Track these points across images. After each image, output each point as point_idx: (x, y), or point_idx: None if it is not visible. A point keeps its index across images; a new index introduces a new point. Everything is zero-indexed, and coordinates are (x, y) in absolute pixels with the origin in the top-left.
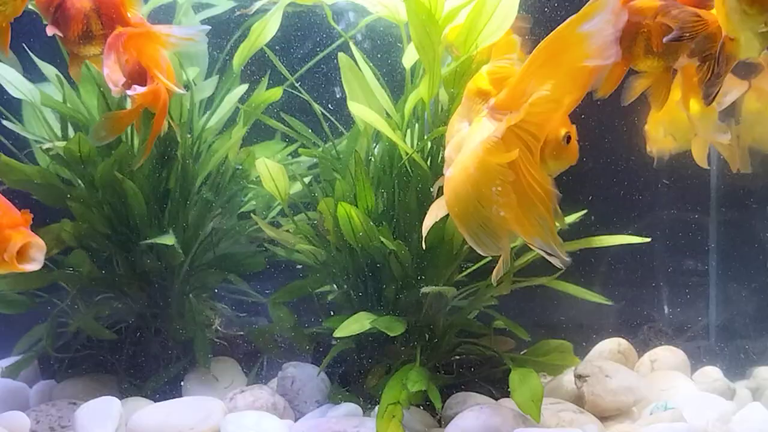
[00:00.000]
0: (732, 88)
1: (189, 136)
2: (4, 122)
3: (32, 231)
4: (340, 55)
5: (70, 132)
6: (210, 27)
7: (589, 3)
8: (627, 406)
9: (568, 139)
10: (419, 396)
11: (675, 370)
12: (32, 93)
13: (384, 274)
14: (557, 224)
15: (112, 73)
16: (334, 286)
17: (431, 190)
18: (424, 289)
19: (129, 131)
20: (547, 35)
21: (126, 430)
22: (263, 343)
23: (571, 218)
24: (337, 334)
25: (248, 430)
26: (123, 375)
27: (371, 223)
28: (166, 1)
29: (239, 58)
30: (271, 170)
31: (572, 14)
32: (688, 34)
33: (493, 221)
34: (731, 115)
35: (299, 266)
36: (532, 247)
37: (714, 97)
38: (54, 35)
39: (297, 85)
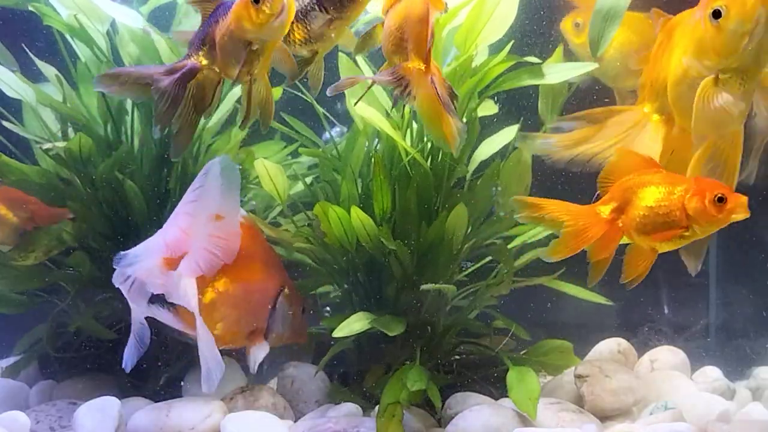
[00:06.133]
0: None
1: None
2: (4, 122)
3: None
4: (341, 55)
5: (70, 132)
6: None
7: None
8: (627, 406)
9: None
10: (419, 396)
11: (675, 370)
12: (28, 93)
13: (384, 274)
14: None
15: None
16: (335, 285)
17: (430, 189)
18: (424, 287)
19: (129, 131)
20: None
21: (126, 430)
22: None
23: None
24: (336, 333)
25: (248, 430)
26: (123, 375)
27: (376, 225)
28: (166, 0)
29: None
30: (270, 171)
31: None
32: None
33: None
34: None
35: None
36: None
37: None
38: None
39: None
